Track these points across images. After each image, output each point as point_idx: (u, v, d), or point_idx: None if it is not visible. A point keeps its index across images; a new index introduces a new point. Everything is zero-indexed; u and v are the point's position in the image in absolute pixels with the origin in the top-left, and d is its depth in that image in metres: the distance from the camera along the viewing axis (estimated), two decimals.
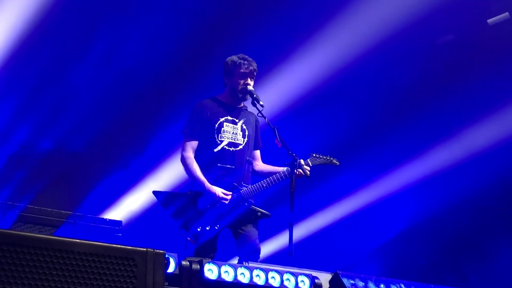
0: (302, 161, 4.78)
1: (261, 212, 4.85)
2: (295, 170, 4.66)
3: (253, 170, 5.10)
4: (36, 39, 5.83)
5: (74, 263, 2.21)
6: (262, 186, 4.82)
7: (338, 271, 4.05)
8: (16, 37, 5.74)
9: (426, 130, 7.50)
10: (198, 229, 4.70)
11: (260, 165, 5.14)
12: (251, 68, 4.90)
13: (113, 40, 6.43)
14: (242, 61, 4.90)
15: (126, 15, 6.41)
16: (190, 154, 4.83)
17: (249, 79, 4.91)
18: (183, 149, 4.88)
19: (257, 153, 5.18)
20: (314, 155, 5.01)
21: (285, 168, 4.83)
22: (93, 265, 2.20)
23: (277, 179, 4.81)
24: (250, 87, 4.92)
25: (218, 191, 4.72)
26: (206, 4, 6.54)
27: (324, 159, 5.06)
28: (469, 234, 7.23)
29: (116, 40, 6.44)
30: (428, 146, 7.50)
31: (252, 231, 4.81)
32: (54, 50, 6.20)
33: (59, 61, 6.25)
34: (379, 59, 7.16)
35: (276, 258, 6.37)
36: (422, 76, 7.30)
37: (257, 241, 4.82)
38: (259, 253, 4.82)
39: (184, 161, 4.85)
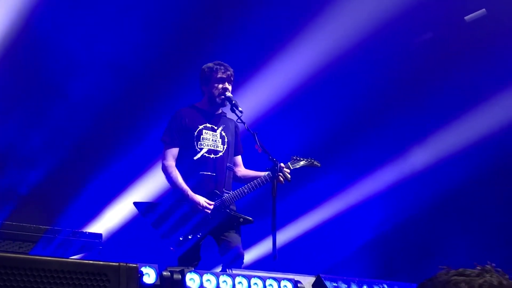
0: (282, 165, 4.81)
1: (243, 218, 4.87)
2: (279, 178, 4.70)
3: (235, 176, 5.11)
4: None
5: (46, 281, 2.20)
6: (244, 191, 4.83)
7: (320, 274, 4.08)
8: None
9: (404, 130, 7.54)
10: (180, 238, 4.70)
11: (242, 171, 5.16)
12: (228, 73, 4.94)
13: (86, 50, 6.42)
14: (218, 66, 4.94)
15: (103, 22, 6.41)
16: (171, 163, 4.85)
17: (226, 84, 4.94)
18: (164, 158, 4.89)
19: (239, 158, 5.20)
20: (294, 158, 5.04)
21: (266, 173, 4.85)
22: (65, 282, 2.19)
23: (258, 184, 4.82)
24: (229, 93, 4.95)
25: (201, 200, 4.73)
26: (184, 10, 6.53)
27: (305, 161, 5.08)
28: (451, 232, 7.26)
29: (89, 51, 6.43)
30: (407, 147, 7.54)
31: (234, 237, 4.82)
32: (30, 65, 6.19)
33: (37, 73, 6.25)
34: (356, 61, 7.19)
35: (260, 264, 6.37)
36: (396, 79, 7.33)
37: (240, 246, 4.83)
38: (243, 259, 4.83)
39: (165, 169, 4.86)
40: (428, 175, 7.35)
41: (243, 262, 4.83)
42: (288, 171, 4.85)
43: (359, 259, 7.41)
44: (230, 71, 4.95)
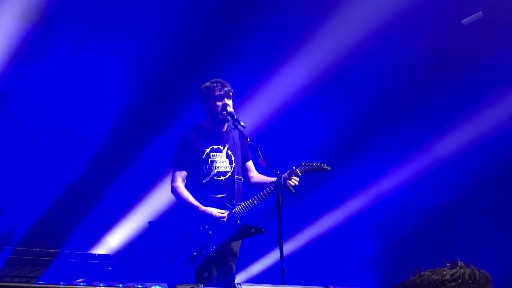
0: (294, 168, 4.86)
1: (254, 228, 4.90)
2: (288, 181, 4.75)
3: (249, 182, 5.16)
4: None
5: None
6: (253, 202, 4.86)
7: (329, 286, 4.10)
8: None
9: (413, 131, 7.53)
10: (195, 254, 4.76)
11: (255, 177, 5.20)
12: (225, 89, 5.00)
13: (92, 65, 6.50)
14: (215, 84, 5.02)
15: (113, 35, 6.50)
16: (179, 184, 4.91)
17: (226, 100, 4.99)
18: (173, 180, 4.94)
19: (250, 164, 5.23)
20: (303, 163, 5.02)
21: (274, 179, 4.87)
22: None
23: (267, 194, 4.84)
24: (230, 109, 4.99)
25: (214, 210, 4.79)
26: (189, 26, 6.58)
27: (314, 166, 5.05)
28: (462, 237, 7.21)
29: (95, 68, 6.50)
30: (416, 147, 7.48)
31: (232, 267, 4.89)
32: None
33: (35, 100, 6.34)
34: (358, 67, 7.21)
35: (268, 276, 6.40)
36: (396, 84, 7.34)
37: (235, 273, 4.90)
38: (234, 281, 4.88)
39: (174, 191, 4.92)
40: (439, 177, 7.31)
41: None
42: (297, 179, 4.87)
43: (370, 268, 7.36)
44: (228, 87, 5.02)
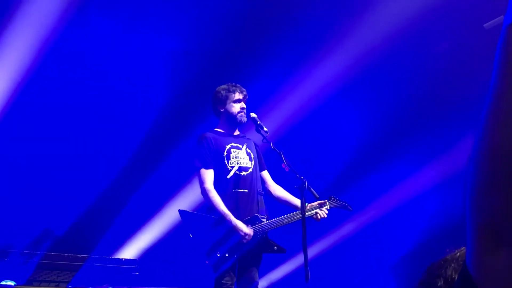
0: (326, 201, 4.93)
1: (277, 246, 4.91)
2: (317, 214, 4.81)
3: (268, 191, 5.16)
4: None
5: None
6: (283, 221, 4.87)
7: None
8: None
9: (436, 137, 7.51)
10: (218, 255, 4.74)
11: (274, 187, 5.21)
12: (244, 93, 5.07)
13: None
14: (234, 87, 5.07)
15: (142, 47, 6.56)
16: (210, 186, 4.85)
17: (243, 103, 5.05)
18: (202, 181, 4.88)
19: (266, 174, 5.25)
20: (333, 198, 5.13)
21: (312, 209, 4.91)
22: None
23: (295, 219, 4.87)
24: (253, 114, 5.03)
25: (244, 228, 4.76)
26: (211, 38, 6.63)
27: (341, 203, 5.18)
28: None
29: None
30: (445, 149, 7.45)
31: (256, 273, 4.88)
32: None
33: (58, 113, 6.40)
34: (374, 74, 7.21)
35: (292, 281, 6.40)
36: (414, 93, 7.31)
37: (257, 279, 4.90)
38: None
39: (205, 193, 4.86)
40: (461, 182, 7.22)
41: None
42: (326, 212, 4.95)
43: (394, 274, 7.31)
44: (245, 92, 5.09)
